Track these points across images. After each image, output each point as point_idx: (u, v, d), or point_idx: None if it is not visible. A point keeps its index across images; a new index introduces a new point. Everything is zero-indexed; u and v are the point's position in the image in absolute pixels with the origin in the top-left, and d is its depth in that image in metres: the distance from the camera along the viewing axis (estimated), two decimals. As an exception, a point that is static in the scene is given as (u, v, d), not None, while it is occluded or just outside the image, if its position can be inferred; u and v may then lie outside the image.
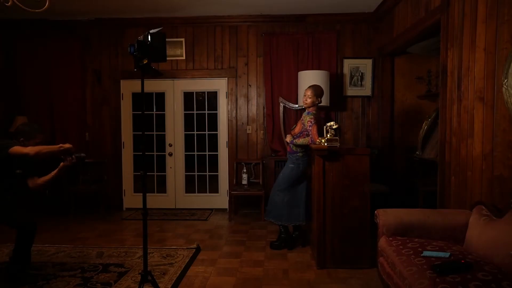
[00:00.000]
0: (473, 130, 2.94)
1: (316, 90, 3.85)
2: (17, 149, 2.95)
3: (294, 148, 3.90)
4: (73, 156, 3.07)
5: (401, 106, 5.48)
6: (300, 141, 3.77)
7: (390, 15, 4.97)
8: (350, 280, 3.20)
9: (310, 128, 3.72)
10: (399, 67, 5.46)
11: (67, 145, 3.05)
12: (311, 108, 3.87)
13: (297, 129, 3.91)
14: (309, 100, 3.84)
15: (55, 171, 3.21)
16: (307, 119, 3.78)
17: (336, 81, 5.50)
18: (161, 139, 5.93)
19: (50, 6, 3.07)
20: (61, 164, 3.12)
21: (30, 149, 2.94)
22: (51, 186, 3.35)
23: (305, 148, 3.86)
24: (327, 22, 5.57)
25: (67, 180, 5.53)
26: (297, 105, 5.29)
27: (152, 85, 5.75)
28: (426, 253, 2.31)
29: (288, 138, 3.91)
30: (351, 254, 3.45)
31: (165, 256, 3.76)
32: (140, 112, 3.00)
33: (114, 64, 5.81)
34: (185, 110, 5.88)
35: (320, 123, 3.85)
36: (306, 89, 3.91)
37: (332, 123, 3.54)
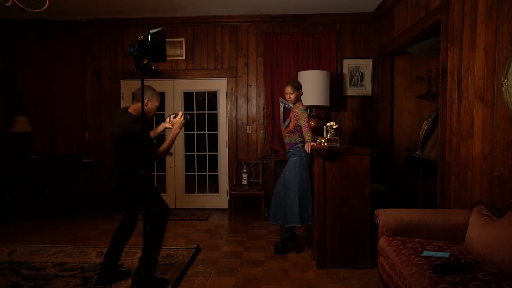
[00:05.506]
0: (473, 130, 2.94)
1: (295, 84, 3.88)
2: (158, 152, 3.06)
3: (292, 141, 3.89)
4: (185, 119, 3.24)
5: (401, 106, 5.48)
6: (312, 142, 3.67)
7: (390, 15, 4.97)
8: (350, 280, 3.20)
9: (307, 124, 3.72)
10: (399, 67, 5.47)
11: (177, 122, 3.25)
12: (299, 104, 3.87)
13: (291, 126, 3.88)
14: (292, 96, 3.84)
15: (170, 139, 3.25)
16: (303, 117, 3.75)
17: (336, 81, 5.50)
18: (161, 139, 5.91)
19: (50, 6, 3.07)
20: (173, 132, 3.24)
21: (158, 152, 3.08)
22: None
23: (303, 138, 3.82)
24: (327, 22, 5.57)
25: (67, 180, 5.53)
26: (297, 105, 5.28)
27: (152, 85, 5.66)
28: (426, 253, 2.31)
29: (309, 146, 3.65)
30: (351, 254, 3.45)
31: (165, 256, 3.76)
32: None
33: (114, 64, 5.81)
34: (185, 110, 5.88)
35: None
36: (285, 87, 3.91)
37: (332, 123, 3.54)
